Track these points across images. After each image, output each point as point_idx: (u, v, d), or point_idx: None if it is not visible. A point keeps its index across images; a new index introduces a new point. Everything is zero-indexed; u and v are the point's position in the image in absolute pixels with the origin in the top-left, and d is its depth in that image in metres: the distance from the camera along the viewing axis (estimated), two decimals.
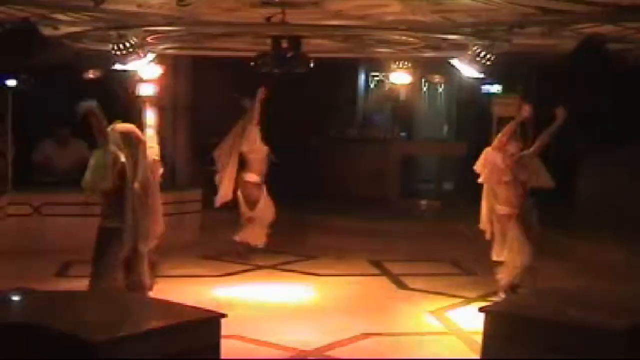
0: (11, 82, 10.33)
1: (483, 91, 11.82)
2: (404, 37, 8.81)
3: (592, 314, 5.63)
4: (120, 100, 11.98)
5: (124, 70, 8.83)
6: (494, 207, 8.60)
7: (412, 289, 9.31)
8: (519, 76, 11.69)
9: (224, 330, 5.28)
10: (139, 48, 8.15)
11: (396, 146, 15.07)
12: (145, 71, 9.56)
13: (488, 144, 12.01)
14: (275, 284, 9.58)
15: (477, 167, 8.65)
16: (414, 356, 7.05)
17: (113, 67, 8.70)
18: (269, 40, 8.36)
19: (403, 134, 16.25)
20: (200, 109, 13.46)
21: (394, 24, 8.20)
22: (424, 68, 11.97)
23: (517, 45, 8.83)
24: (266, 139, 10.69)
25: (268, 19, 7.66)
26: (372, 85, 16.59)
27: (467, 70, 8.74)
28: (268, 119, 10.67)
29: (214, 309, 5.76)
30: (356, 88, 16.60)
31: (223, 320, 5.31)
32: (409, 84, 11.97)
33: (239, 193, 10.48)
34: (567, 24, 7.83)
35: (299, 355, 7.04)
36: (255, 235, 10.52)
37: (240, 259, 10.41)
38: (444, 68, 10.87)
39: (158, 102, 7.84)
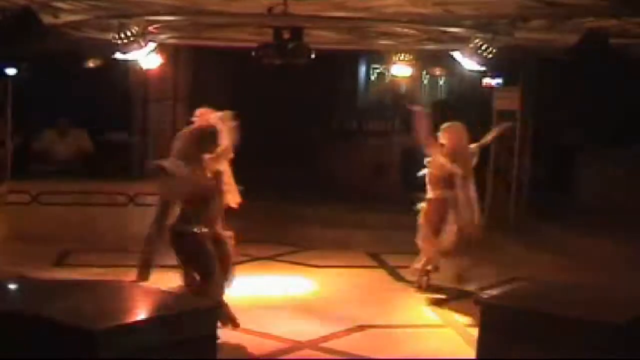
0: (11, 71, 10.31)
1: (484, 84, 11.79)
2: (405, 30, 8.80)
3: (589, 307, 5.64)
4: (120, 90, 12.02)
5: (125, 60, 8.82)
6: None
7: (409, 282, 9.31)
8: (520, 70, 11.68)
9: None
10: (140, 37, 8.14)
11: (396, 138, 15.05)
12: (146, 61, 9.56)
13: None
14: (271, 275, 9.59)
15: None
16: (409, 349, 7.06)
17: (114, 57, 8.70)
18: (270, 31, 8.34)
19: (404, 126, 16.23)
20: (200, 99, 13.44)
21: (395, 16, 8.18)
22: (425, 60, 11.93)
23: (519, 38, 8.82)
24: (267, 130, 10.68)
25: (270, 9, 7.65)
26: (372, 78, 16.57)
27: (468, 63, 8.73)
28: (268, 111, 10.68)
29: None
30: (357, 80, 16.58)
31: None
32: (410, 76, 11.94)
33: None
34: (569, 18, 7.81)
35: (294, 346, 7.05)
36: None
37: None
38: (445, 61, 10.84)
39: None
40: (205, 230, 6.73)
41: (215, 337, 5.31)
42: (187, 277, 6.90)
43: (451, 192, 8.57)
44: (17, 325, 5.01)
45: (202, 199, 6.74)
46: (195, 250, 6.74)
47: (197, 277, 6.82)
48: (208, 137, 6.87)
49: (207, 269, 6.74)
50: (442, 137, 8.69)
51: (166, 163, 6.66)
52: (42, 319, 4.97)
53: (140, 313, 5.46)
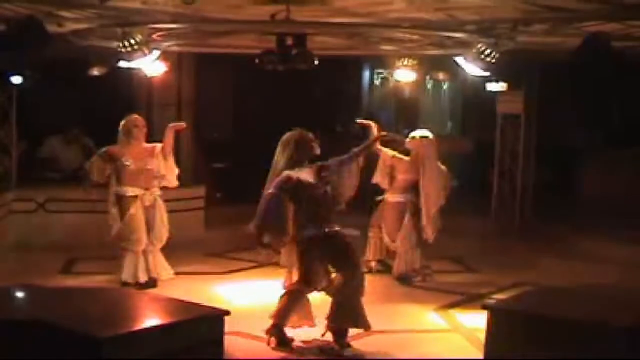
0: (16, 79, 10.34)
1: (487, 88, 11.83)
2: (408, 35, 8.81)
3: (594, 310, 5.64)
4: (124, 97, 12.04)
5: (129, 68, 8.85)
6: None
7: (416, 286, 9.31)
8: (523, 74, 11.70)
9: (227, 327, 5.30)
10: (144, 45, 8.16)
11: (401, 143, 15.02)
12: (150, 68, 9.57)
13: (492, 140, 11.98)
14: (279, 281, 9.56)
15: None
16: (417, 354, 7.06)
17: (118, 64, 8.72)
18: (273, 38, 8.36)
19: (407, 131, 16.23)
20: (203, 105, 13.48)
21: (398, 22, 8.20)
22: (428, 65, 11.96)
23: (522, 43, 8.83)
24: (271, 136, 10.63)
25: (272, 16, 7.67)
26: (376, 82, 16.58)
27: (472, 68, 8.74)
28: (272, 117, 10.67)
29: (218, 306, 5.79)
30: (361, 85, 16.59)
31: (226, 317, 5.33)
32: (414, 81, 11.96)
33: None
34: (571, 22, 7.83)
35: (300, 351, 7.05)
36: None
37: None
38: (449, 65, 10.86)
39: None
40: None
41: (221, 343, 5.33)
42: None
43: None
44: (24, 332, 5.04)
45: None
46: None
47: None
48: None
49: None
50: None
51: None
52: (49, 326, 5.00)
53: (146, 320, 5.48)
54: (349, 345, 7.06)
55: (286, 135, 7.11)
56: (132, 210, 8.72)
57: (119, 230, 8.75)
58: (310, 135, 7.11)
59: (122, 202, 8.76)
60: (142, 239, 8.77)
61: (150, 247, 8.88)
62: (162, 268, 9.02)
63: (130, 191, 8.75)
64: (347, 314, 7.05)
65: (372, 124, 8.77)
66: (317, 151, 7.13)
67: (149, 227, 8.85)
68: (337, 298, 7.07)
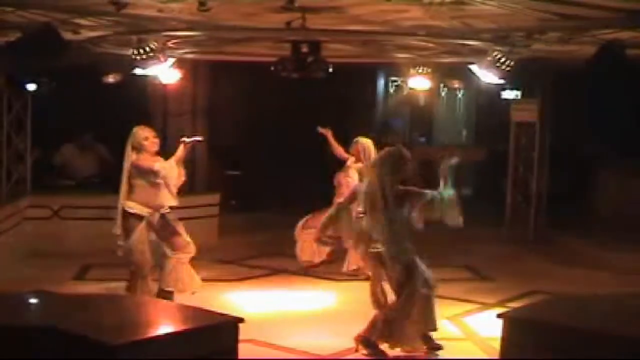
0: (31, 86, 10.39)
1: (502, 96, 11.81)
2: (423, 43, 8.81)
3: (609, 320, 5.60)
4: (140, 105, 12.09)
5: (144, 75, 8.87)
6: None
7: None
8: (538, 82, 11.67)
9: (241, 335, 5.29)
10: (159, 53, 8.19)
11: (415, 151, 15.03)
12: (165, 76, 9.61)
13: (506, 149, 11.91)
14: (292, 288, 9.58)
15: None
16: None
17: (133, 72, 8.75)
18: (288, 45, 8.37)
19: (422, 139, 16.23)
20: (218, 113, 13.52)
21: (413, 30, 8.20)
22: (443, 73, 11.96)
23: (537, 50, 8.82)
24: (285, 143, 10.66)
25: (288, 24, 7.68)
26: (391, 90, 16.58)
27: (487, 75, 8.73)
28: (287, 124, 10.68)
29: (231, 313, 5.78)
30: (375, 93, 16.60)
31: (240, 325, 5.32)
32: (428, 89, 11.96)
33: None
34: (586, 30, 7.80)
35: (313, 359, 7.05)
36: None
37: None
38: (463, 73, 10.86)
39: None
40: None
41: (235, 352, 5.32)
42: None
43: None
44: (37, 339, 5.04)
45: None
46: None
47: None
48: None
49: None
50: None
51: None
52: (62, 333, 4.99)
53: (160, 328, 5.48)
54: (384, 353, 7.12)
55: (387, 153, 7.15)
56: (136, 232, 8.15)
57: (124, 251, 8.22)
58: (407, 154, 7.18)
59: (128, 221, 8.17)
60: (145, 262, 8.21)
61: (176, 258, 8.30)
62: (191, 280, 8.42)
63: (137, 209, 8.17)
64: (389, 333, 7.08)
65: (329, 132, 8.93)
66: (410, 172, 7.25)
67: (168, 242, 8.30)
68: (383, 315, 7.10)
